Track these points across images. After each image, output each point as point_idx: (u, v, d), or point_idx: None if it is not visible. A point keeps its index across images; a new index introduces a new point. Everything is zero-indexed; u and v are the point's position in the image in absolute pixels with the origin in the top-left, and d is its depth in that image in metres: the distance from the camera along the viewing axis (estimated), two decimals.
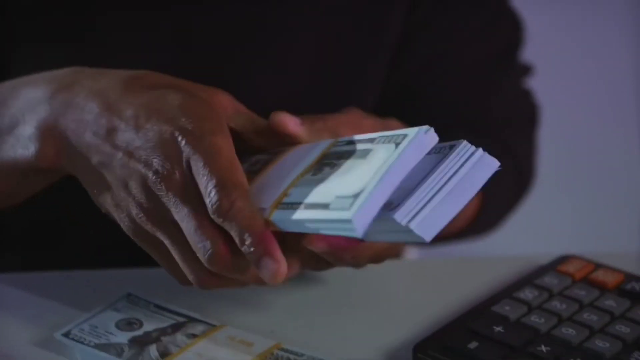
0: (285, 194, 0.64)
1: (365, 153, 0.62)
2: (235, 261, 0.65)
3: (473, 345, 0.69)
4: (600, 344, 0.68)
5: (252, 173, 0.69)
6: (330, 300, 0.79)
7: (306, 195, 0.62)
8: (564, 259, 0.79)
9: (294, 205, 0.62)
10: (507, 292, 0.75)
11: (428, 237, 0.59)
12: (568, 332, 0.69)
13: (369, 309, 0.77)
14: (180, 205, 0.66)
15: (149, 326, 0.72)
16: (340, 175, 0.62)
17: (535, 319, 0.71)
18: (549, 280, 0.76)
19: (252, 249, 0.63)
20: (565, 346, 0.68)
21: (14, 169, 0.74)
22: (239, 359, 0.68)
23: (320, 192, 0.62)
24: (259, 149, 0.73)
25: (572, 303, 0.73)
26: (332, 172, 0.63)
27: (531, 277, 0.77)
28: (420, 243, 0.61)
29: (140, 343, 0.70)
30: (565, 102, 1.98)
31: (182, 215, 0.66)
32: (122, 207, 0.69)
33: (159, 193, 0.66)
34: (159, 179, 0.66)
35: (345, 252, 0.69)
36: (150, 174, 0.67)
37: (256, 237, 0.63)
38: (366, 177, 0.60)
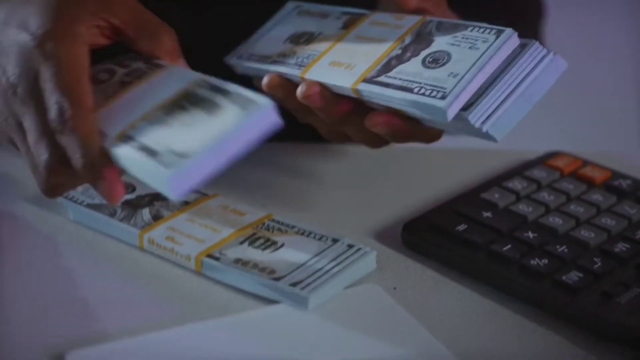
0: (132, 127, 0.62)
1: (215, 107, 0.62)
2: (73, 174, 0.64)
3: (462, 227, 0.70)
4: (586, 233, 0.70)
5: (123, 84, 0.67)
6: (323, 180, 0.80)
7: (149, 135, 0.61)
8: (553, 155, 0.80)
9: (133, 142, 0.61)
10: (497, 181, 0.76)
11: (499, 137, 0.64)
12: (555, 221, 0.71)
13: (361, 190, 0.79)
14: (26, 114, 0.65)
15: (141, 190, 0.73)
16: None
17: (523, 208, 0.72)
18: (538, 172, 0.77)
19: (85, 170, 0.62)
20: (551, 234, 0.70)
21: None
22: (231, 226, 0.69)
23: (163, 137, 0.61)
24: None
25: (559, 195, 0.74)
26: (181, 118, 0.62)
27: (520, 169, 0.78)
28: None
29: (133, 206, 0.71)
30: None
31: (27, 125, 0.65)
32: None
33: (11, 99, 0.65)
34: (9, 85, 0.65)
35: (404, 133, 0.70)
36: (3, 80, 0.66)
37: (90, 158, 0.62)
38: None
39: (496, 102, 0.63)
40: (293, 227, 0.70)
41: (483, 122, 0.63)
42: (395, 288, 0.67)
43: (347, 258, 0.67)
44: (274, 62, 0.72)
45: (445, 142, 0.91)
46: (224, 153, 0.58)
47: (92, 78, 0.65)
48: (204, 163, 0.58)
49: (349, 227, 0.72)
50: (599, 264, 0.66)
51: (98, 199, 0.71)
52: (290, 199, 0.77)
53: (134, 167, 0.61)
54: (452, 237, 0.69)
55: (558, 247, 0.68)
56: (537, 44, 0.64)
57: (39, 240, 0.70)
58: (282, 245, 0.67)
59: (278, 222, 0.70)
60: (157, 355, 0.59)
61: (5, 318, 0.62)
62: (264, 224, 0.70)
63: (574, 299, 0.64)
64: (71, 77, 0.63)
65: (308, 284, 0.64)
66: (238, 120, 0.59)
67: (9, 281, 0.66)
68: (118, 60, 0.69)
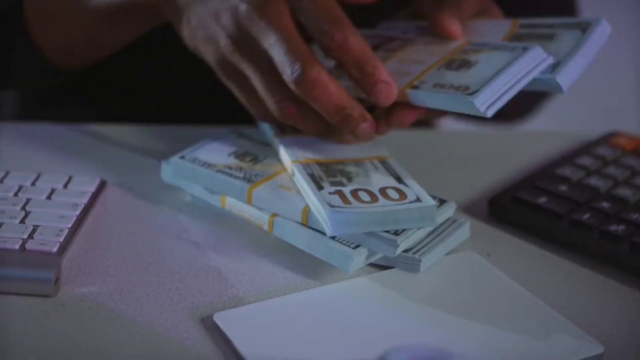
0: (417, 79, 0.75)
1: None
2: (325, 84, 0.72)
3: (542, 200, 0.78)
4: None
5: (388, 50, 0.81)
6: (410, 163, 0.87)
7: (438, 78, 0.74)
8: (613, 134, 0.89)
9: (426, 85, 0.74)
10: (567, 159, 0.84)
11: (566, 87, 0.73)
12: (625, 192, 0.79)
13: (448, 171, 0.87)
14: (272, 32, 0.73)
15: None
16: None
17: (594, 181, 0.81)
18: (603, 150, 0.85)
19: (367, 75, 0.73)
20: (623, 203, 0.78)
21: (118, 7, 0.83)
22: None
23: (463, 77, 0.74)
24: None
25: (625, 170, 0.82)
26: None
27: (587, 148, 0.86)
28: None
29: None
30: None
31: (271, 41, 0.73)
32: (211, 39, 0.76)
33: (249, 23, 0.73)
34: (250, 9, 0.73)
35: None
36: (242, 5, 0.74)
37: (371, 64, 0.73)
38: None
39: (499, 92, 0.72)
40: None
41: (488, 107, 0.71)
42: (489, 255, 0.75)
43: (446, 229, 0.75)
44: (220, 171, 0.77)
45: (512, 128, 0.99)
46: (509, 86, 0.72)
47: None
48: (496, 90, 0.71)
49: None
50: None
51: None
52: None
53: (436, 102, 0.74)
54: (535, 208, 0.78)
55: (632, 214, 0.76)
56: (538, 48, 0.73)
57: (164, 219, 0.78)
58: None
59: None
60: (294, 315, 0.67)
61: (151, 287, 0.70)
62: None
63: None
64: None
65: (418, 249, 0.72)
66: (511, 60, 0.73)
67: (145, 254, 0.73)
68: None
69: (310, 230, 0.72)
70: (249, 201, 0.75)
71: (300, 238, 0.72)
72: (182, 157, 0.77)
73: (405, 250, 0.72)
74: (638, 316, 0.70)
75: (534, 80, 0.73)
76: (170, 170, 0.78)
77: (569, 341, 0.65)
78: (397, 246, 0.70)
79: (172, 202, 0.79)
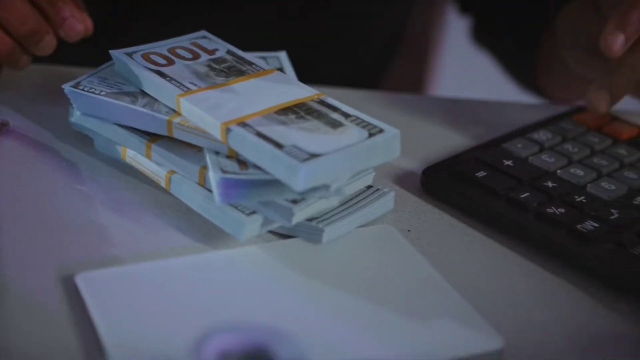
0: (249, 118, 0.64)
1: (337, 124, 0.64)
2: None
3: (481, 174, 0.70)
4: (606, 185, 0.69)
5: (221, 73, 0.69)
6: None
7: (271, 129, 0.63)
8: (581, 109, 0.80)
9: (253, 130, 0.63)
10: (521, 132, 0.76)
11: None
12: (576, 172, 0.70)
13: None
14: None
15: None
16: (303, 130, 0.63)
17: (545, 158, 0.72)
18: (564, 125, 0.77)
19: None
20: (571, 185, 0.69)
21: None
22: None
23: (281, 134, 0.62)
24: None
25: (583, 148, 0.74)
26: (297, 123, 0.64)
27: (547, 122, 0.77)
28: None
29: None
30: None
31: None
32: None
33: None
34: None
35: None
36: None
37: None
38: (329, 146, 0.61)
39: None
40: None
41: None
42: (409, 230, 0.67)
43: (365, 197, 0.67)
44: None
45: (472, 93, 0.91)
46: (349, 165, 0.62)
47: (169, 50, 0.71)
48: (332, 165, 0.61)
49: None
50: (616, 215, 0.66)
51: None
52: None
53: (255, 153, 0.62)
54: (471, 183, 0.69)
55: (576, 197, 0.67)
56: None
57: (62, 168, 0.71)
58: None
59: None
60: (162, 282, 0.59)
61: (24, 240, 0.63)
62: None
63: (587, 247, 0.64)
64: None
65: (325, 219, 0.64)
66: (365, 141, 0.62)
67: (29, 204, 0.66)
68: (190, 41, 0.72)
69: (205, 192, 0.64)
70: (148, 155, 0.67)
71: (195, 199, 0.65)
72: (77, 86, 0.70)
73: (311, 219, 0.64)
74: (565, 310, 0.62)
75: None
76: (76, 113, 0.71)
77: (467, 332, 0.57)
78: (292, 215, 0.62)
79: (75, 151, 0.72)
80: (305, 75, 0.75)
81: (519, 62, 0.97)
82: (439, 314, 0.58)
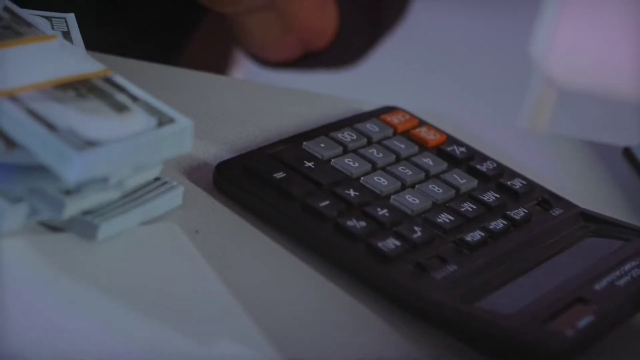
0: (21, 90, 0.56)
1: (122, 108, 0.57)
2: None
3: (279, 175, 0.64)
4: (410, 198, 0.65)
5: None
6: None
7: (45, 107, 0.55)
8: (389, 109, 0.75)
9: (22, 105, 0.55)
10: (324, 130, 0.71)
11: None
12: (380, 181, 0.66)
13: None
14: None
15: None
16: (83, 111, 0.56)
17: (349, 162, 0.67)
18: (370, 127, 0.72)
19: None
20: (374, 194, 0.65)
21: None
22: None
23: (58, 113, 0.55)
24: None
25: (389, 154, 0.69)
26: (76, 102, 0.56)
27: (352, 120, 0.72)
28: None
29: None
30: None
31: None
32: None
33: None
34: None
35: None
36: None
37: None
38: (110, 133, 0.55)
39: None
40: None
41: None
42: (197, 231, 0.61)
43: (151, 191, 0.60)
44: None
45: (278, 80, 0.85)
46: (131, 157, 0.55)
47: None
48: (111, 156, 0.54)
49: None
50: (419, 233, 0.62)
51: None
52: None
53: (24, 134, 0.54)
54: (266, 184, 0.64)
55: (379, 209, 0.63)
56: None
57: None
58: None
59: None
60: None
61: None
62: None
63: (386, 267, 0.59)
64: None
65: (102, 213, 0.57)
66: (152, 131, 0.56)
67: None
68: None
69: None
70: None
71: None
72: None
73: (87, 213, 0.57)
74: (354, 330, 0.57)
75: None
76: None
77: (238, 346, 0.51)
78: (63, 207, 0.55)
79: None
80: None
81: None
82: (202, 328, 0.53)
